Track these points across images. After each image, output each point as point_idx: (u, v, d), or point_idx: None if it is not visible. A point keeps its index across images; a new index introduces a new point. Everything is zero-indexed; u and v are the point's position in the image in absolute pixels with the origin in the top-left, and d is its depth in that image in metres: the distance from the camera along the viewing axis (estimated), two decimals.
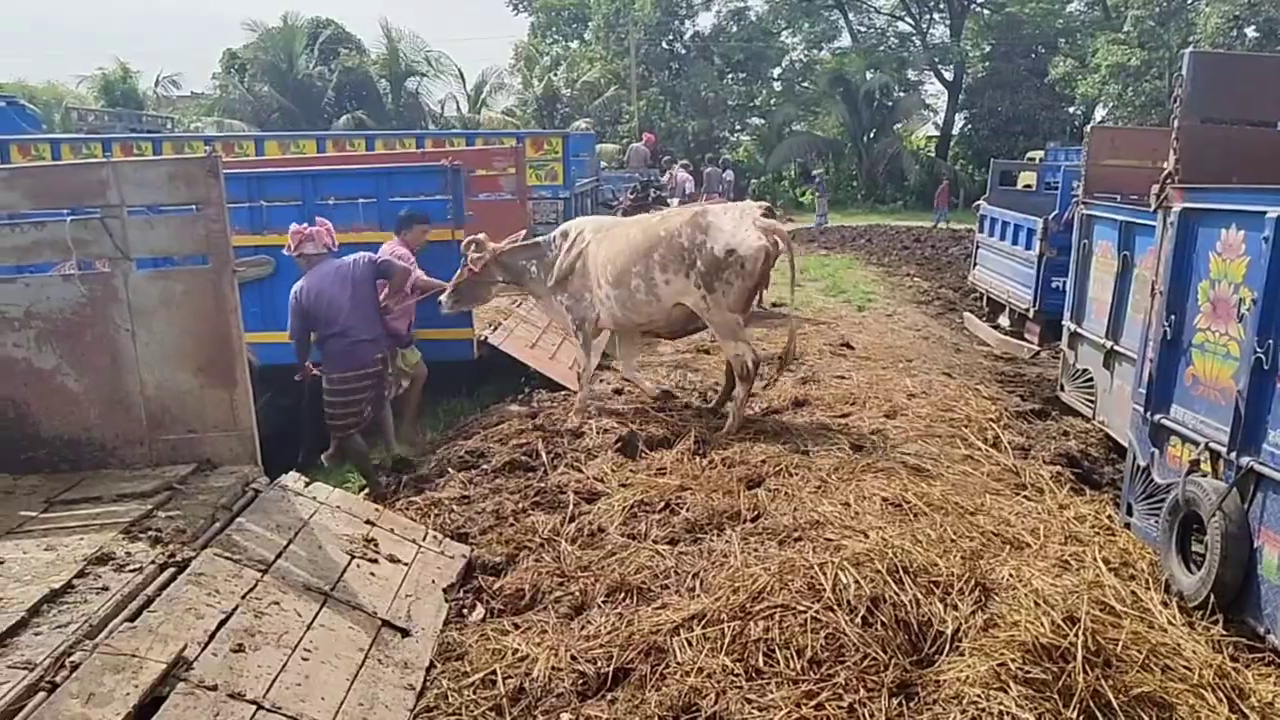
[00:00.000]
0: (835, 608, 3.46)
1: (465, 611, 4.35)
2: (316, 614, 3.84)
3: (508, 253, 7.46)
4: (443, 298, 7.38)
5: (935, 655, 3.40)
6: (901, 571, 3.67)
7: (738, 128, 42.98)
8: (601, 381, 9.17)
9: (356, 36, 39.50)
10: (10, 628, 3.24)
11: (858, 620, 3.41)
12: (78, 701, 2.89)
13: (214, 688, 3.18)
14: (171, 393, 4.84)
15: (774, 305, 13.46)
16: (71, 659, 3.09)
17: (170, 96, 41.53)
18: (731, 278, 6.49)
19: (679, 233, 6.61)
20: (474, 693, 3.56)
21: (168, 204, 4.82)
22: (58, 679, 2.99)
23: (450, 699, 3.56)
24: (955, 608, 3.58)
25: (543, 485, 5.73)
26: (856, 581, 3.56)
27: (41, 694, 2.92)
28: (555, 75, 40.88)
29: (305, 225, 6.96)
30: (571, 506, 5.28)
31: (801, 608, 3.47)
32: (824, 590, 3.52)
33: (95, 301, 4.75)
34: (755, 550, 4.38)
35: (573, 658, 3.61)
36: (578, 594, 4.20)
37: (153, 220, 4.81)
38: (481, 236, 7.44)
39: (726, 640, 3.47)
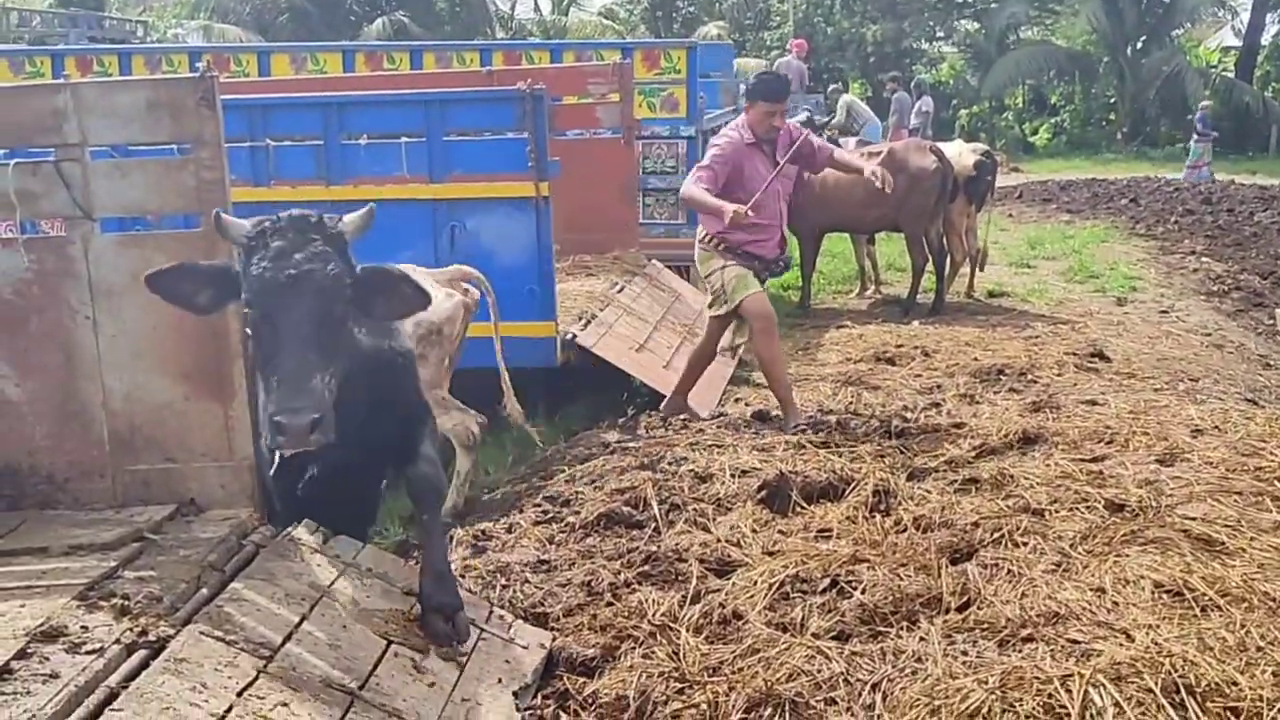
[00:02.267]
0: None
1: None
2: None
3: None
4: None
5: None
6: (1184, 692, 3.58)
7: (939, 35, 42.57)
8: (735, 400, 9.20)
9: None
10: None
11: None
12: None
13: None
14: (144, 406, 5.01)
15: (990, 295, 13.34)
16: None
17: None
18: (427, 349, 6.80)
19: None
20: None
21: (144, 143, 4.99)
22: None
23: None
24: None
25: (654, 549, 5.77)
26: (1117, 704, 3.49)
27: None
28: None
29: None
30: (695, 581, 5.30)
31: None
32: (1068, 716, 3.47)
33: (44, 276, 4.92)
34: (963, 654, 4.33)
35: None
36: (705, 708, 4.21)
37: (123, 165, 5.00)
38: None
39: None
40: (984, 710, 3.59)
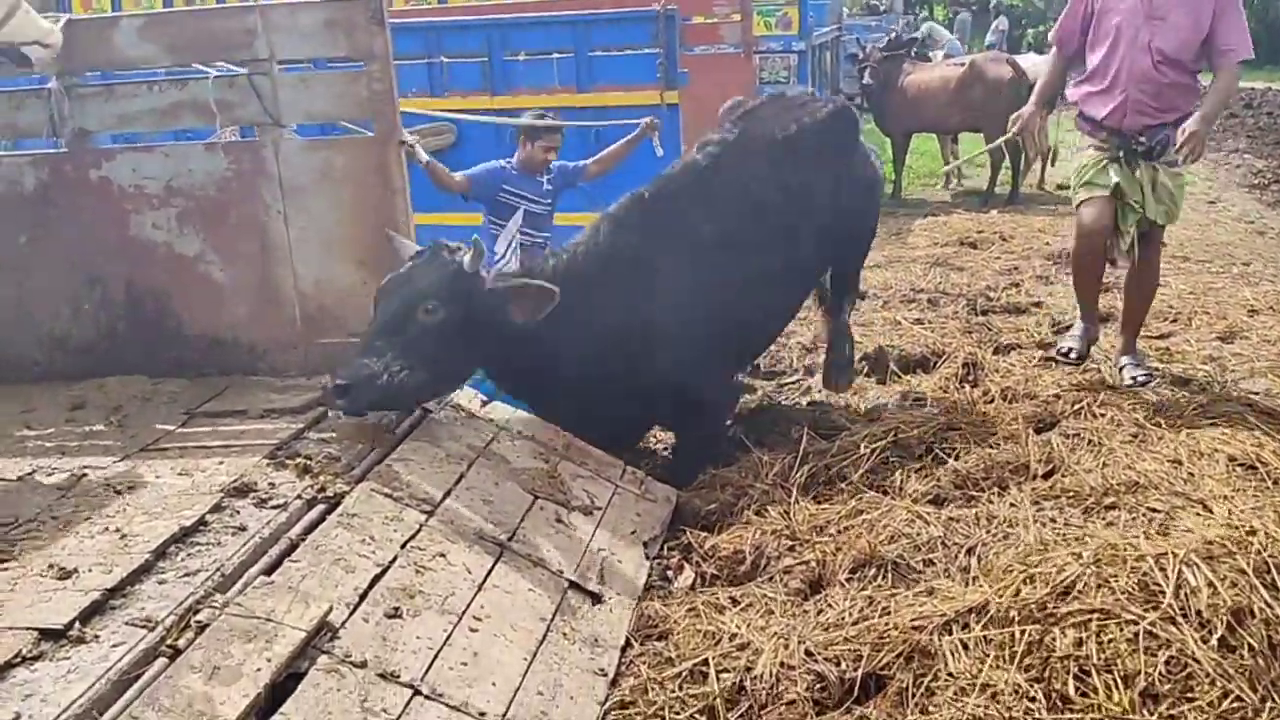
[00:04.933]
0: (1179, 620, 2.87)
1: (671, 574, 4.00)
2: (490, 571, 3.57)
3: None
4: None
5: None
6: (1275, 572, 3.03)
7: None
8: None
9: None
10: (132, 573, 3.10)
11: (1213, 641, 2.83)
12: (200, 676, 2.70)
13: (363, 664, 2.95)
14: (330, 289, 4.66)
15: (1059, 187, 12.47)
16: (198, 618, 2.91)
17: None
18: None
19: None
20: (680, 688, 3.22)
21: (325, 58, 4.58)
22: (180, 643, 2.82)
23: (650, 693, 3.23)
24: None
25: (765, 411, 5.32)
26: (1211, 584, 2.96)
27: (162, 660, 2.76)
28: None
29: None
30: (804, 442, 4.82)
31: (1130, 615, 2.91)
32: (1162, 594, 2.95)
33: (242, 176, 4.59)
34: (1053, 520, 3.81)
35: (808, 653, 3.19)
36: (814, 564, 3.76)
37: (307, 78, 4.59)
38: None
39: (1019, 649, 2.96)
40: (1080, 582, 3.07)
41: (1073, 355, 5.56)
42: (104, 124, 4.70)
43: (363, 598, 3.19)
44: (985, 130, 11.95)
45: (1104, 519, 3.83)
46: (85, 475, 3.81)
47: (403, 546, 3.49)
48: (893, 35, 14.19)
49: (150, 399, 4.51)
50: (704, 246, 4.72)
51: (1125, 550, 3.17)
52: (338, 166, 4.56)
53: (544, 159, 6.29)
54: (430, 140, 7.94)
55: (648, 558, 4.09)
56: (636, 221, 4.73)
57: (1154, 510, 3.82)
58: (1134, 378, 5.37)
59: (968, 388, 5.50)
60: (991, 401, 5.24)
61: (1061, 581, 3.12)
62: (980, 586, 3.34)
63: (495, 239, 6.07)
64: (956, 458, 4.54)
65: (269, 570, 3.17)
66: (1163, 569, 3.03)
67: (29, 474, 3.86)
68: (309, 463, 3.82)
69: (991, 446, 4.62)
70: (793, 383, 5.94)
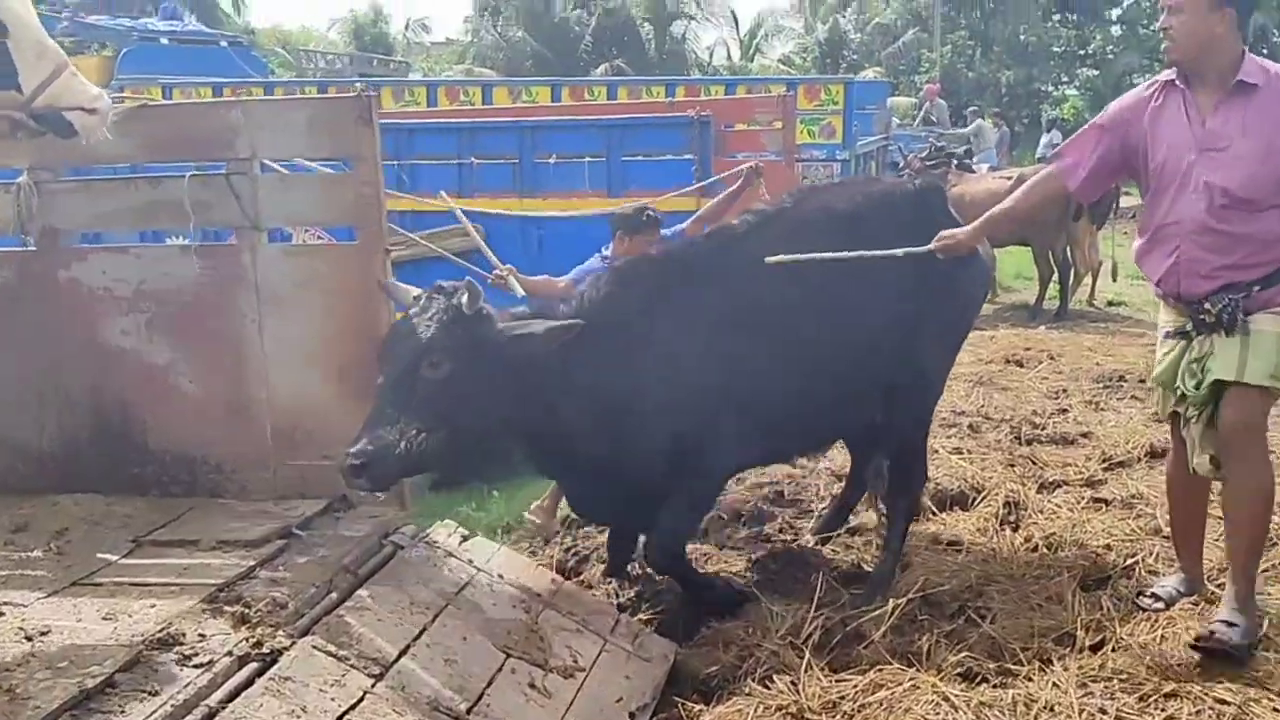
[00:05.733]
0: None
1: None
2: None
3: None
4: None
5: None
6: None
7: (1064, 79, 40.01)
8: None
9: None
10: None
11: None
12: None
13: None
14: (306, 405, 4.21)
15: (1110, 304, 11.88)
16: None
17: (422, 42, 43.39)
18: None
19: None
20: None
21: (309, 158, 4.19)
22: None
23: None
24: None
25: (784, 552, 4.75)
26: None
27: None
28: (843, 16, 39.38)
29: None
30: (822, 590, 4.23)
31: None
32: None
33: (219, 282, 4.18)
34: (1102, 713, 3.20)
35: None
36: None
37: (288, 180, 4.20)
38: None
39: None
40: None
41: (1158, 605, 3.96)
42: (75, 222, 4.32)
43: None
44: (1034, 244, 11.46)
45: (1162, 710, 3.22)
46: (1, 615, 3.33)
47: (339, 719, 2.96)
48: (934, 145, 13.79)
49: (100, 523, 4.04)
50: (713, 319, 4.13)
51: None
52: (320, 275, 4.15)
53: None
54: (457, 241, 7.59)
55: None
56: (640, 283, 4.16)
57: (1223, 703, 3.20)
58: (1223, 640, 3.50)
59: (1008, 531, 4.88)
60: (1035, 550, 4.62)
61: None
62: None
63: None
64: (992, 620, 3.93)
65: None
66: None
67: None
68: (247, 611, 3.30)
69: (1033, 608, 4.01)
70: (816, 515, 5.34)
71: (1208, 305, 3.59)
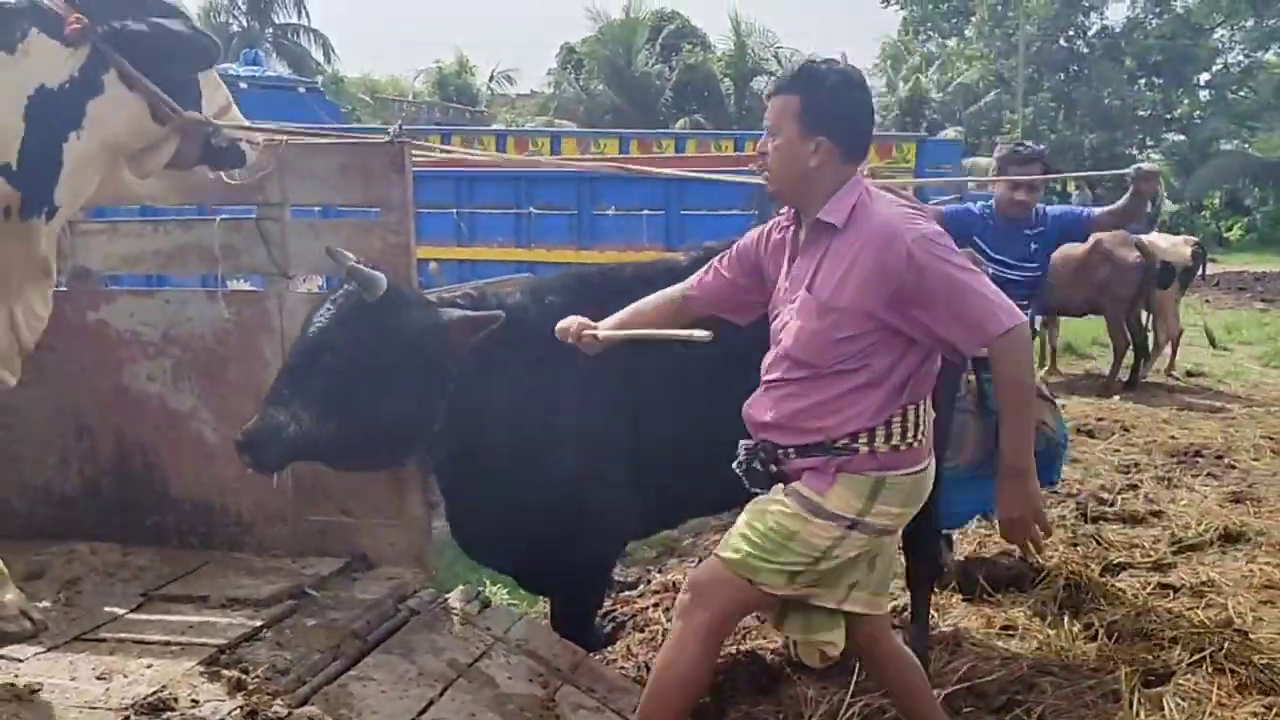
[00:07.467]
0: None
1: None
2: None
3: None
4: None
5: None
6: None
7: (1148, 144, 39.30)
8: None
9: (702, 31, 39.96)
10: None
11: None
12: None
13: None
14: None
15: (1189, 374, 11.40)
16: None
17: (508, 94, 43.99)
18: None
19: None
20: None
21: (339, 204, 4.08)
22: None
23: None
24: None
25: None
26: None
27: None
28: (925, 76, 39.12)
29: None
30: (859, 675, 3.95)
31: None
32: None
33: (244, 329, 4.06)
34: None
35: None
36: None
37: (316, 225, 4.07)
38: None
39: None
40: None
41: None
42: (106, 264, 4.24)
43: None
44: (1108, 313, 11.05)
45: None
46: None
47: None
48: None
49: (114, 573, 3.91)
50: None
51: None
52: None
53: (1019, 202, 4.79)
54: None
55: None
56: (566, 297, 3.72)
57: None
58: None
59: (1067, 617, 4.55)
60: (1094, 638, 4.30)
61: None
62: None
63: None
64: (1041, 716, 3.62)
65: None
66: None
67: None
68: (244, 677, 3.13)
69: (1087, 704, 3.69)
70: None
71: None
